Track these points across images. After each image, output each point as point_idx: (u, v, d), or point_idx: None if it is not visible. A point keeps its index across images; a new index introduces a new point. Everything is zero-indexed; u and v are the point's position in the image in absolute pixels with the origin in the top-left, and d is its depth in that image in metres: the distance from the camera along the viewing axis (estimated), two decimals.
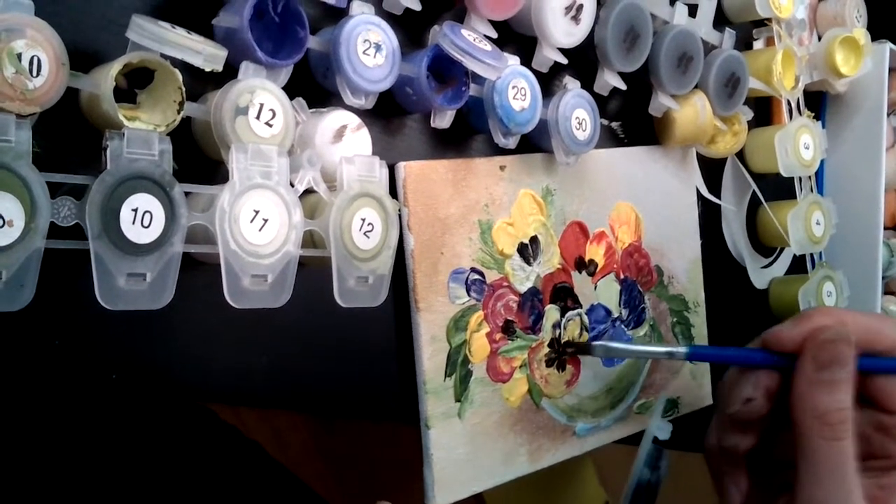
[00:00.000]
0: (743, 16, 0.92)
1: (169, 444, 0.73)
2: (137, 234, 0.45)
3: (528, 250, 0.73)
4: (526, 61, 0.69)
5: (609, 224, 0.80)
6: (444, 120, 0.65)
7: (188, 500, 0.71)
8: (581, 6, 0.70)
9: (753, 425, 0.64)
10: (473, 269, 0.69)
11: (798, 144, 0.91)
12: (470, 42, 0.61)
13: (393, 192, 0.64)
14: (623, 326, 0.82)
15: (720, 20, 0.86)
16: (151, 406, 0.63)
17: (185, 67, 0.48)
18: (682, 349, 0.67)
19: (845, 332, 0.59)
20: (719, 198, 0.95)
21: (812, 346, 0.60)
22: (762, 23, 0.94)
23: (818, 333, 0.60)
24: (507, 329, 0.72)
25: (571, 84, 0.72)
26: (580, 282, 0.78)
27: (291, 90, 0.54)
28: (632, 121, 0.85)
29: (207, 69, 0.49)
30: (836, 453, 0.55)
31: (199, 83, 0.54)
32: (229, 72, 0.51)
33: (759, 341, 0.65)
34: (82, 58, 0.49)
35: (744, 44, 0.96)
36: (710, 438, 0.67)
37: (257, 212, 0.50)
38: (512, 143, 0.68)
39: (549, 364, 0.76)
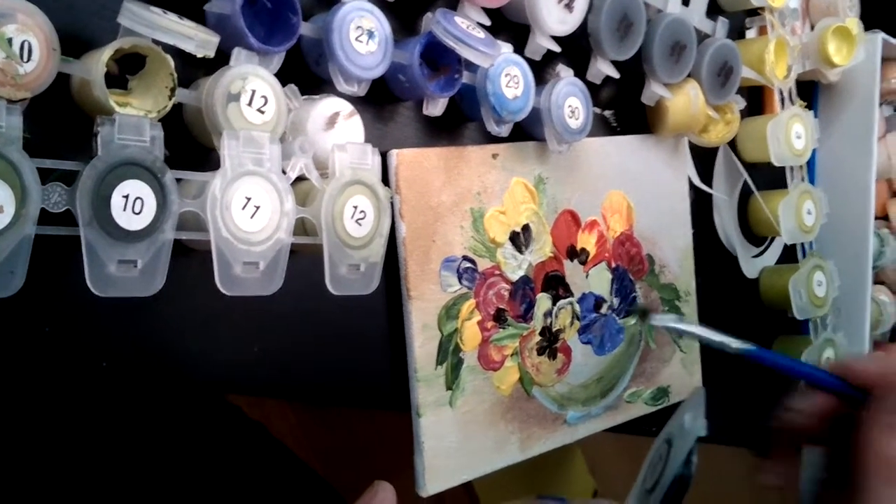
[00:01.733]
0: (736, 5, 0.92)
1: (167, 425, 0.73)
2: (128, 220, 0.45)
3: (520, 238, 0.73)
4: (519, 49, 0.69)
5: (601, 213, 0.80)
6: (436, 107, 0.64)
7: (189, 480, 0.71)
8: None
9: (792, 435, 0.64)
10: (465, 258, 0.69)
11: (790, 134, 0.91)
12: (463, 29, 0.61)
13: (385, 179, 0.64)
14: (615, 315, 0.82)
15: (713, 9, 0.86)
16: (148, 387, 0.63)
17: (176, 53, 0.48)
18: (743, 346, 0.65)
19: None
20: (711, 187, 0.95)
21: (886, 387, 0.58)
22: (755, 12, 0.94)
23: (894, 375, 0.59)
24: (499, 317, 0.72)
25: (564, 72, 0.72)
26: (572, 270, 0.78)
27: (284, 77, 0.53)
28: (624, 109, 0.85)
29: (199, 55, 0.49)
30: (893, 499, 0.54)
31: (191, 69, 0.53)
32: (221, 58, 0.51)
33: (838, 366, 0.64)
34: (73, 43, 0.49)
35: (737, 33, 0.95)
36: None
37: (249, 199, 0.50)
38: (504, 131, 0.68)
39: (540, 352, 0.76)
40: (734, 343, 0.63)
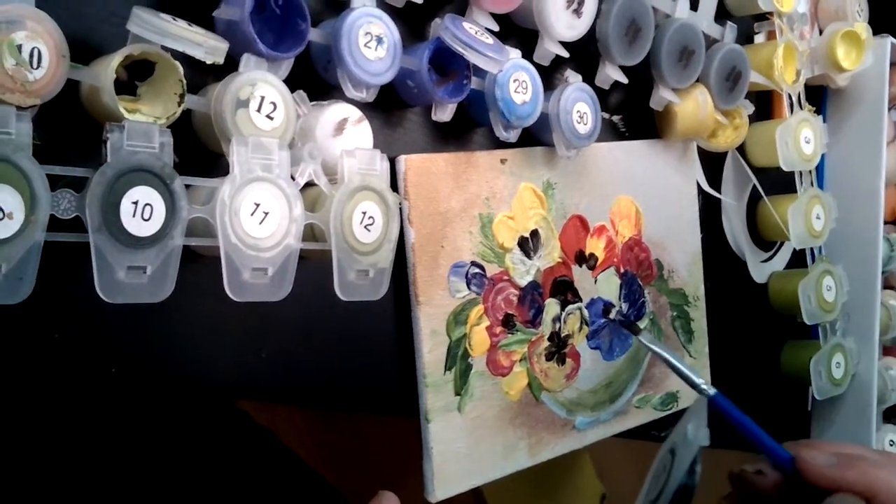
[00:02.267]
0: (744, 9, 0.91)
1: (176, 431, 0.73)
2: (138, 226, 0.45)
3: (529, 244, 0.73)
4: (527, 54, 0.69)
5: (609, 218, 0.80)
6: (445, 113, 0.64)
7: (197, 486, 0.71)
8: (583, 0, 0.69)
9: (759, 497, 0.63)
10: (474, 263, 0.69)
11: (799, 138, 0.91)
12: (471, 35, 0.61)
13: (393, 185, 0.64)
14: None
15: (721, 14, 0.86)
16: (156, 393, 0.63)
17: (185, 59, 0.48)
18: (708, 390, 0.65)
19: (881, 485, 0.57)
20: (720, 192, 0.94)
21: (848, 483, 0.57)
22: (763, 17, 0.94)
23: (856, 481, 0.58)
24: (508, 323, 0.72)
25: (573, 77, 0.72)
26: (580, 275, 0.78)
27: (292, 83, 0.53)
28: (633, 114, 0.85)
29: (209, 62, 0.49)
30: None
31: (200, 75, 0.53)
32: (230, 64, 0.51)
33: (795, 449, 0.62)
34: (83, 50, 0.49)
35: (745, 38, 0.95)
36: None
37: (258, 205, 0.50)
38: (513, 136, 0.68)
39: (548, 358, 0.76)
40: (702, 384, 0.63)
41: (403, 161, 0.65)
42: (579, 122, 0.71)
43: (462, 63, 0.63)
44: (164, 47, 0.47)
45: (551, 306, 0.76)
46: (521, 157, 0.73)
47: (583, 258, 0.78)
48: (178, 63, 0.48)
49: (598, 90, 0.74)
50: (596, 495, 1.87)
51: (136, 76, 0.49)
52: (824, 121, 1.03)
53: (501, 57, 0.62)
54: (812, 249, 0.98)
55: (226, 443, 0.78)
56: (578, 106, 0.71)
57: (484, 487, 0.72)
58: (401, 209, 0.62)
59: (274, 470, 0.80)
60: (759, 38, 0.97)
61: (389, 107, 0.65)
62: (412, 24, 0.66)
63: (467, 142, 0.71)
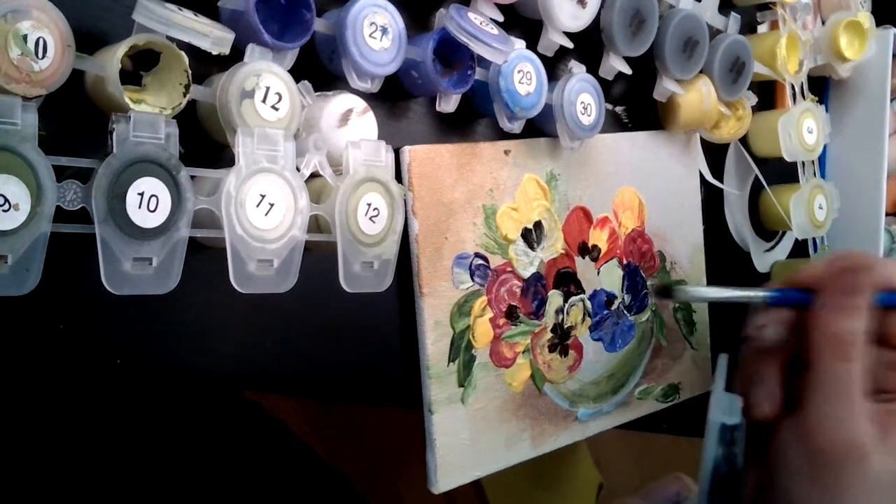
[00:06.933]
0: None
1: (185, 423, 0.73)
2: (143, 218, 0.45)
3: (532, 235, 0.73)
4: (532, 45, 0.69)
5: (612, 209, 0.80)
6: (449, 104, 0.64)
7: (208, 476, 0.71)
8: None
9: (772, 354, 0.63)
10: (477, 254, 0.69)
11: (801, 129, 0.91)
12: (476, 25, 0.61)
13: (397, 176, 0.64)
14: (626, 312, 0.82)
15: (725, 4, 0.85)
16: (164, 384, 0.63)
17: (190, 50, 0.48)
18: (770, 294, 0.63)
19: (866, 261, 0.59)
20: (722, 182, 0.94)
21: (832, 274, 0.59)
22: (767, 6, 0.94)
23: (839, 263, 0.60)
24: (511, 314, 0.72)
25: (577, 68, 0.72)
26: (583, 267, 0.78)
27: (297, 73, 0.53)
28: (636, 105, 0.84)
29: (214, 52, 0.48)
30: (844, 373, 0.55)
31: (205, 66, 0.53)
32: (234, 54, 0.50)
33: (784, 281, 0.64)
34: (88, 39, 0.49)
35: (748, 28, 0.95)
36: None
37: (263, 196, 0.49)
38: (517, 127, 0.68)
39: (551, 349, 0.76)
40: (761, 294, 0.63)
41: (408, 152, 0.65)
42: (583, 113, 0.71)
43: (466, 53, 0.63)
44: (169, 37, 0.47)
45: (554, 298, 0.75)
46: (525, 148, 0.72)
47: (586, 249, 0.78)
48: (183, 53, 0.48)
49: (601, 81, 0.73)
50: (593, 485, 1.87)
51: (141, 66, 0.49)
52: (826, 111, 1.03)
53: (506, 47, 0.62)
54: (814, 239, 0.98)
55: (238, 434, 0.78)
56: (582, 97, 0.71)
57: (482, 477, 0.72)
58: (405, 200, 0.62)
59: (286, 461, 0.80)
60: (763, 29, 0.97)
61: (394, 97, 0.65)
62: (417, 15, 0.65)
63: (471, 133, 0.71)
